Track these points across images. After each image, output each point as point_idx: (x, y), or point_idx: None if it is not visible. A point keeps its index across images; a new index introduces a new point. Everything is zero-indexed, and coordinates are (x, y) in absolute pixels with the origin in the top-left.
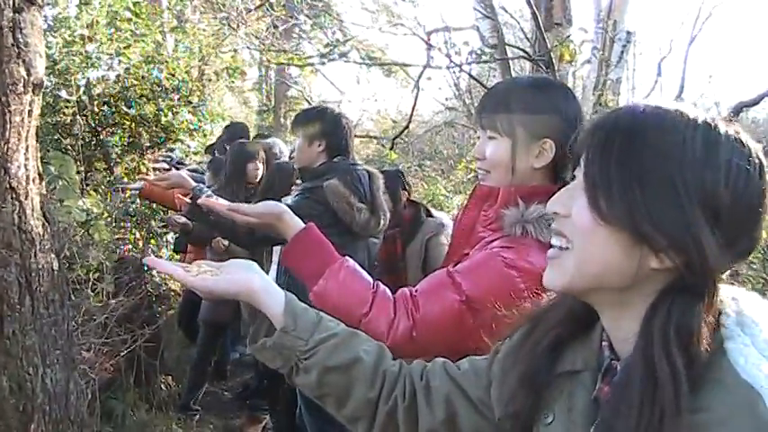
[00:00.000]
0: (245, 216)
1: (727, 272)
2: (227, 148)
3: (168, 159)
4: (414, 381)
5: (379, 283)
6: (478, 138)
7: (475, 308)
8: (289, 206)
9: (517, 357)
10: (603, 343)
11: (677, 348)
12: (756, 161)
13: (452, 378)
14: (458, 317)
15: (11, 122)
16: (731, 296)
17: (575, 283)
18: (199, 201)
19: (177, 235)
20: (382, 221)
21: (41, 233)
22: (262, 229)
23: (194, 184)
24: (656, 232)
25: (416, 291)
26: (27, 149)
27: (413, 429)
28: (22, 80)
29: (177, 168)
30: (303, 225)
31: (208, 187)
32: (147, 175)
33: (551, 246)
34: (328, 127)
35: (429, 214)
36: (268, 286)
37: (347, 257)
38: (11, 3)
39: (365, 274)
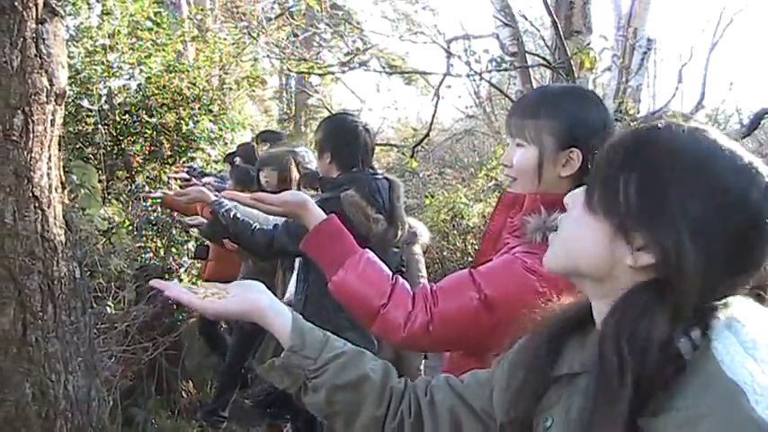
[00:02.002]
0: (270, 205)
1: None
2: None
3: (190, 170)
4: (419, 396)
5: (398, 276)
6: (499, 145)
7: (492, 307)
8: None
9: (517, 364)
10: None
11: (629, 349)
12: (748, 183)
13: (456, 391)
14: (474, 315)
15: (34, 132)
16: (724, 301)
17: (560, 264)
18: (223, 193)
19: (199, 243)
20: (400, 232)
21: (63, 241)
22: (286, 217)
23: (214, 197)
24: (636, 229)
25: (437, 287)
26: (50, 159)
27: None
28: (45, 90)
29: (198, 179)
30: (325, 215)
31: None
32: (168, 184)
33: None
34: (331, 138)
35: None
36: (275, 306)
37: (367, 249)
38: (33, 14)
39: (384, 266)
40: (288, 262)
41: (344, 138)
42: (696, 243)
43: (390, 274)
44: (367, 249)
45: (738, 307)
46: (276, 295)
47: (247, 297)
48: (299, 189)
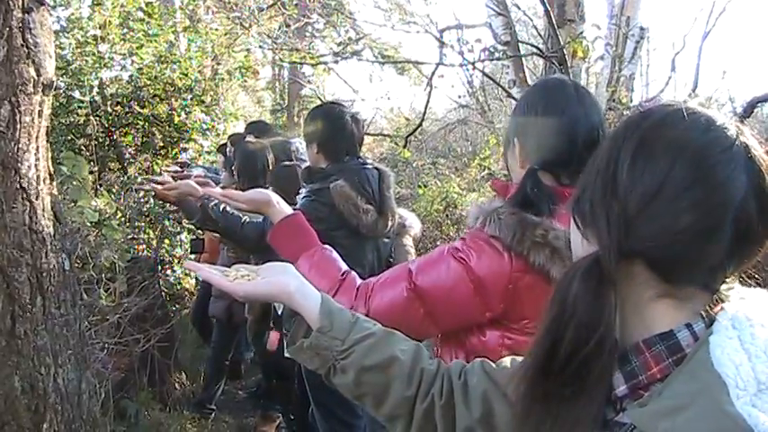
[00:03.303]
0: (237, 202)
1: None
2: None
3: (183, 164)
4: (452, 379)
5: (351, 271)
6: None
7: (422, 297)
8: (296, 209)
9: None
10: None
11: (560, 324)
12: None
13: (490, 375)
14: (405, 305)
15: (21, 123)
16: (740, 296)
17: None
18: (202, 191)
19: (193, 237)
20: (390, 222)
21: (52, 233)
22: (254, 213)
23: (203, 192)
24: (576, 215)
25: (376, 280)
26: (38, 150)
27: (450, 428)
28: (32, 80)
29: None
30: (290, 211)
31: (222, 188)
32: (161, 175)
33: None
34: (318, 129)
35: None
36: (304, 288)
37: (326, 246)
38: (20, 3)
39: (339, 262)
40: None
41: (331, 128)
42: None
43: (344, 269)
44: (326, 246)
45: (750, 302)
46: None
47: (276, 279)
48: (265, 185)
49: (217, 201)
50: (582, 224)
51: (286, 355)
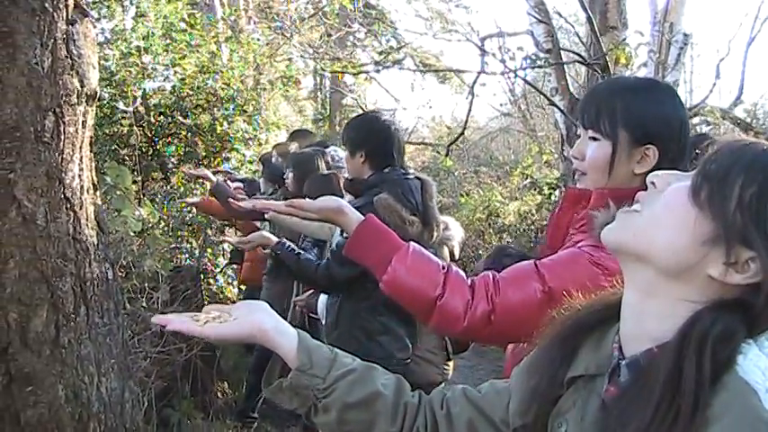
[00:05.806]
0: (305, 212)
1: None
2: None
3: (227, 173)
4: (435, 410)
5: (448, 263)
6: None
7: (555, 300)
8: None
9: (532, 367)
10: (614, 345)
11: (709, 358)
12: None
13: (473, 403)
14: (537, 307)
15: (65, 133)
16: None
17: (627, 241)
18: (254, 204)
19: (233, 248)
20: (435, 232)
21: (96, 243)
22: (323, 222)
23: (276, 239)
24: (743, 243)
25: (499, 277)
26: (81, 160)
27: None
28: (76, 91)
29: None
30: (363, 217)
31: (262, 194)
32: (203, 184)
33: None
34: (366, 137)
35: None
36: (279, 326)
37: (412, 242)
38: (64, 15)
39: (433, 256)
40: None
41: (379, 137)
42: None
43: (441, 263)
44: (412, 242)
45: None
46: (290, 297)
47: (250, 319)
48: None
49: (290, 247)
50: (736, 244)
51: None
